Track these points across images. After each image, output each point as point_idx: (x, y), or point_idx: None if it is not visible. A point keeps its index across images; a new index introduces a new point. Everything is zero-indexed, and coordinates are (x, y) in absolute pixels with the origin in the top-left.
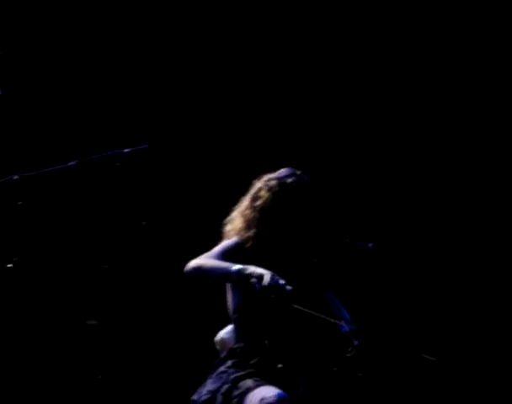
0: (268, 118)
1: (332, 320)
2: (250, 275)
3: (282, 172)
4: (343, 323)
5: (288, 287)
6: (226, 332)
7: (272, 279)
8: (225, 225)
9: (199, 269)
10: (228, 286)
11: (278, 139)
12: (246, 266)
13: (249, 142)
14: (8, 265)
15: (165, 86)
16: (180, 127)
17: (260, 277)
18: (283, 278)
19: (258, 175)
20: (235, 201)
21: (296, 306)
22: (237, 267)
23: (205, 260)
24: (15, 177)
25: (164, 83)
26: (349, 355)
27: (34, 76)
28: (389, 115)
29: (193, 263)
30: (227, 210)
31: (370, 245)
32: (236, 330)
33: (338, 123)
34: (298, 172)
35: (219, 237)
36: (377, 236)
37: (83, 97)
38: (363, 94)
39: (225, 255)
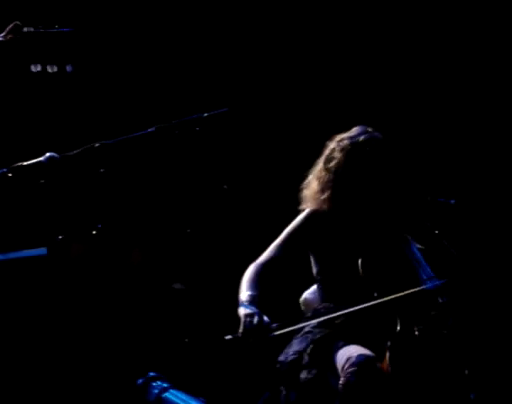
0: (338, 78)
1: (415, 289)
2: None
3: (354, 130)
4: (426, 281)
5: (266, 319)
6: (310, 292)
7: (244, 322)
8: (302, 189)
9: (241, 281)
10: (310, 256)
11: (350, 98)
12: (241, 303)
13: (324, 103)
14: (93, 232)
15: (242, 49)
16: (258, 91)
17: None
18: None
19: (333, 134)
20: (311, 164)
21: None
22: (240, 299)
23: (247, 273)
24: (96, 144)
25: (242, 46)
26: (433, 313)
27: (109, 44)
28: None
29: (246, 273)
30: (304, 174)
31: (452, 201)
32: (320, 290)
33: (408, 77)
34: (370, 130)
35: (297, 202)
36: (460, 193)
37: (160, 63)
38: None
39: (283, 247)
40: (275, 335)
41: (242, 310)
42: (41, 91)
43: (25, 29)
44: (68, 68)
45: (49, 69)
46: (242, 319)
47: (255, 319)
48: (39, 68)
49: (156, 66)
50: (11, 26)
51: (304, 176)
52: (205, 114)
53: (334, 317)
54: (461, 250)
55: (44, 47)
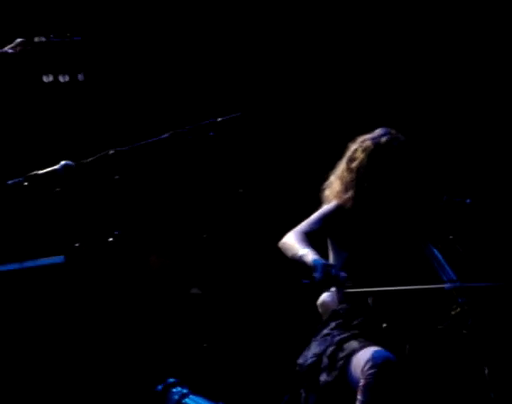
0: (360, 81)
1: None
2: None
3: (376, 132)
4: (446, 281)
5: (342, 274)
6: (327, 294)
7: (323, 269)
8: (323, 190)
9: (283, 245)
10: (330, 247)
11: (370, 101)
12: (307, 253)
13: (344, 105)
14: (110, 239)
15: (255, 52)
16: (273, 93)
17: (313, 268)
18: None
19: (353, 138)
20: (332, 166)
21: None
22: (300, 253)
23: (290, 236)
24: (111, 151)
25: (255, 50)
26: (453, 313)
27: (122, 51)
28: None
29: (284, 238)
30: (325, 176)
31: (468, 201)
32: (338, 291)
33: (430, 79)
34: (393, 132)
35: (318, 203)
36: (476, 192)
37: (174, 69)
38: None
39: (323, 221)
40: (347, 292)
41: (317, 260)
42: (54, 101)
43: (36, 39)
44: (80, 77)
45: (61, 79)
46: (320, 267)
47: (333, 270)
48: (51, 78)
49: (169, 72)
50: (19, 40)
51: (325, 177)
52: (219, 119)
53: (352, 318)
54: (476, 249)
55: (55, 57)
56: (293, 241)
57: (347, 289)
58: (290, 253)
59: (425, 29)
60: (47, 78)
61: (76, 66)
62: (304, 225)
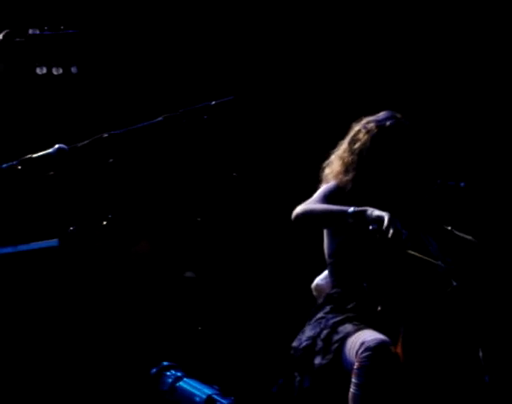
0: (364, 62)
1: (431, 260)
2: (368, 217)
3: (381, 115)
4: (441, 263)
5: (404, 231)
6: (321, 278)
7: (391, 222)
8: (323, 168)
9: (310, 213)
10: (326, 230)
11: (374, 83)
12: (363, 208)
13: (346, 85)
14: (104, 223)
15: (249, 35)
16: (270, 74)
17: (379, 220)
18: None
19: (357, 118)
20: (333, 145)
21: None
22: (352, 208)
23: (314, 205)
24: (105, 135)
25: (249, 32)
26: (448, 296)
27: (116, 35)
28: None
29: (301, 209)
30: (325, 154)
31: (462, 184)
32: (332, 275)
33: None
34: (398, 115)
35: (317, 181)
36: (470, 176)
37: (167, 53)
38: None
39: (327, 199)
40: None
41: (376, 212)
42: (48, 93)
43: (31, 32)
44: (73, 69)
45: (54, 71)
46: (387, 221)
47: (398, 224)
48: (44, 70)
49: (163, 56)
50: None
51: (325, 156)
52: (213, 103)
53: (346, 302)
54: (471, 233)
55: (49, 49)
56: (327, 206)
57: (407, 249)
58: (331, 215)
59: (423, 17)
60: (41, 70)
61: (69, 58)
62: (312, 201)
